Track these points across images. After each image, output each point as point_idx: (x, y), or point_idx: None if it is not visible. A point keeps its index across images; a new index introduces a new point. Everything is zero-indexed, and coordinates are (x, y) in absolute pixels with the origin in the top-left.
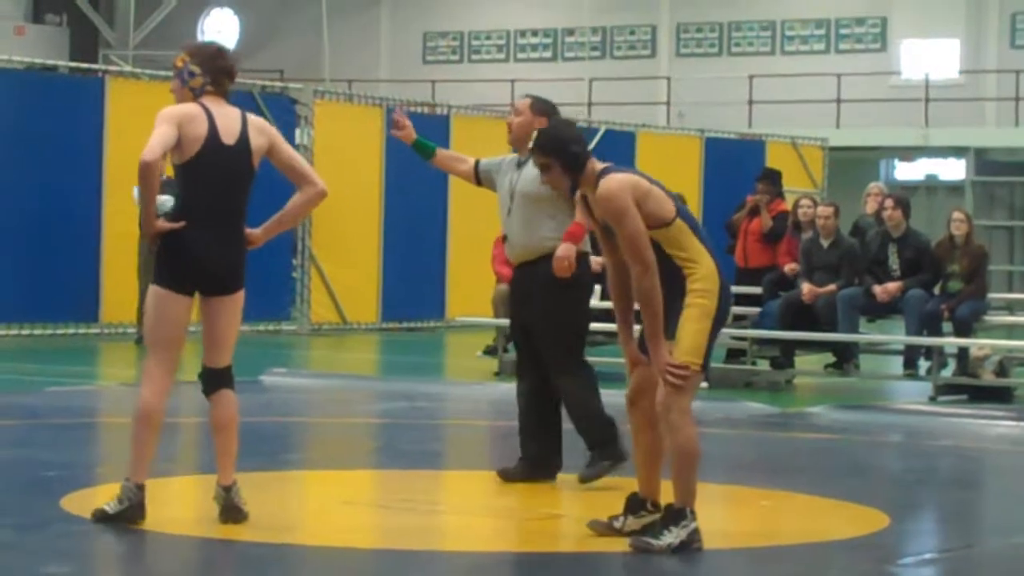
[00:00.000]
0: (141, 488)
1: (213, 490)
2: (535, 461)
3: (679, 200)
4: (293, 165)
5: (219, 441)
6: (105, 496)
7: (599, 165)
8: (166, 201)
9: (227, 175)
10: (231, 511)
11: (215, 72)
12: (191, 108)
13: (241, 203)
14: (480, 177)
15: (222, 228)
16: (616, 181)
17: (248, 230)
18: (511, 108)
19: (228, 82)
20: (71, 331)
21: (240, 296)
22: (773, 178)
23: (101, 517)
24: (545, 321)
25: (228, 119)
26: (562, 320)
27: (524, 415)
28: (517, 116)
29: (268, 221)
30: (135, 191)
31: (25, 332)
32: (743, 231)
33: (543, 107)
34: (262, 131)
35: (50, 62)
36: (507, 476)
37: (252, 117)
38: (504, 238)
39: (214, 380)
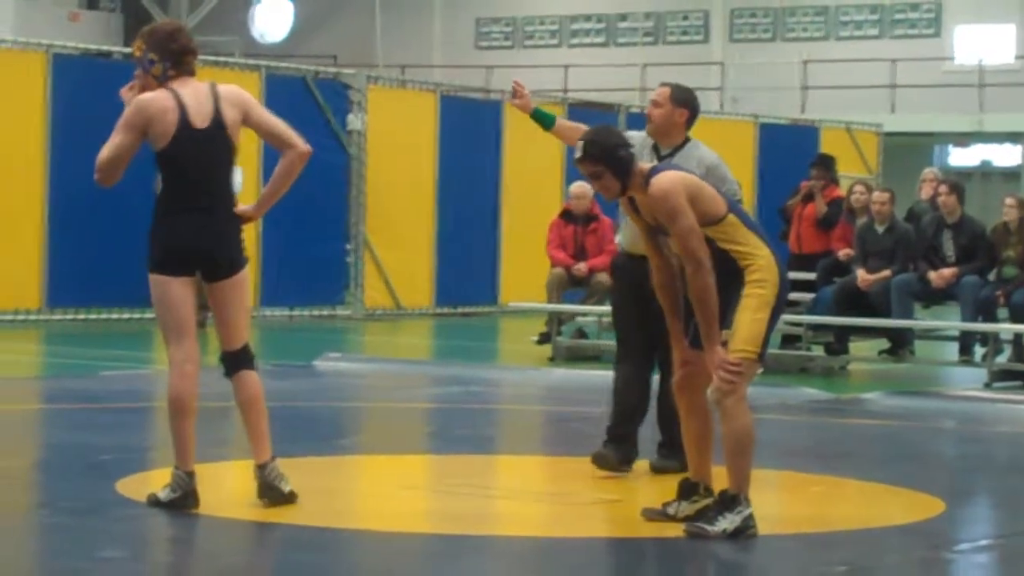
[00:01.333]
0: (191, 475)
1: (253, 472)
2: (628, 445)
3: (735, 187)
4: (271, 130)
5: (247, 421)
6: (160, 480)
7: (646, 165)
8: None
9: (205, 159)
10: (268, 490)
11: (173, 55)
12: (160, 100)
13: (226, 183)
14: None
15: (209, 212)
16: (668, 179)
17: (241, 207)
18: (651, 101)
19: (191, 60)
20: (126, 316)
21: (243, 277)
22: (827, 164)
23: (155, 503)
24: None
25: (198, 102)
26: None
27: (629, 402)
28: (656, 108)
29: (260, 195)
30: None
31: (80, 317)
32: (797, 217)
33: (683, 96)
34: (235, 103)
35: (104, 48)
36: (604, 463)
37: (224, 89)
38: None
39: (232, 362)
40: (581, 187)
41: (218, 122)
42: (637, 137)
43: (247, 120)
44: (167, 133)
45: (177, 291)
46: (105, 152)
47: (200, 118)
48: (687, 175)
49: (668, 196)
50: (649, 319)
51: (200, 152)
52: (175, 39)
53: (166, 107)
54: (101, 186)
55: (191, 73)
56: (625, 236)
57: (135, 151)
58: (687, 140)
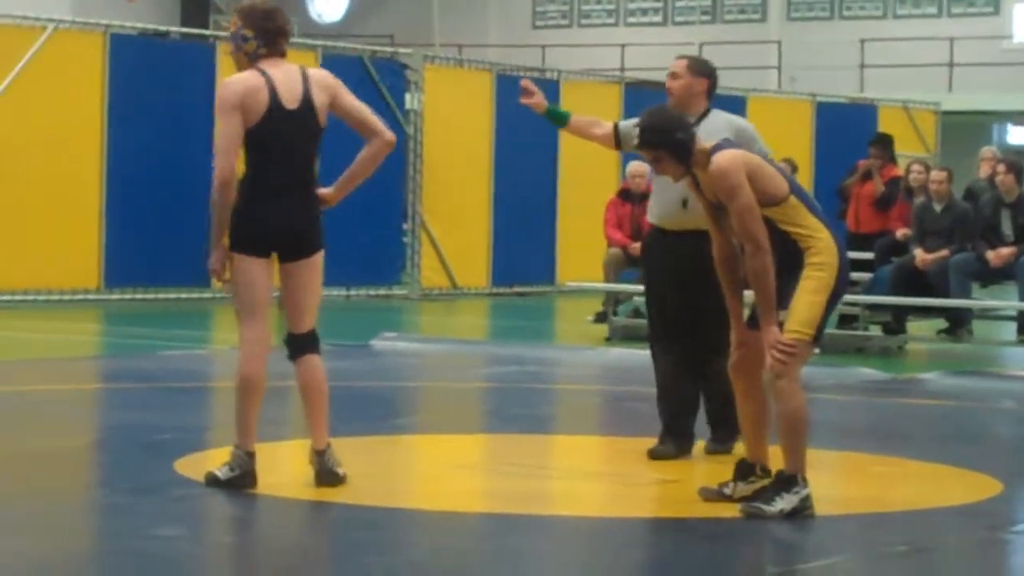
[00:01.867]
0: (251, 455)
1: (308, 455)
2: (686, 433)
3: (790, 166)
4: (358, 116)
5: (308, 406)
6: (218, 459)
7: (707, 144)
8: None
9: (293, 139)
10: (327, 475)
11: (267, 34)
12: (250, 80)
13: (310, 165)
14: (621, 140)
15: (293, 192)
16: (728, 157)
17: (321, 190)
18: (669, 74)
19: (283, 42)
20: (183, 295)
21: (318, 259)
22: (885, 143)
23: (213, 482)
24: (716, 300)
25: (289, 82)
26: None
27: (677, 395)
28: (675, 80)
29: (340, 179)
30: None
31: (138, 296)
32: (855, 196)
33: (701, 67)
34: (324, 87)
35: (163, 28)
36: (660, 456)
37: (313, 73)
38: (645, 204)
39: (298, 345)
40: (638, 166)
41: (308, 104)
42: None
43: (334, 105)
44: (258, 113)
45: (258, 271)
46: (223, 149)
47: (290, 99)
48: (749, 154)
49: (727, 174)
50: (684, 299)
51: (290, 133)
52: (272, 18)
53: (256, 86)
54: (225, 181)
55: (282, 54)
56: (655, 210)
57: (242, 133)
58: (709, 109)
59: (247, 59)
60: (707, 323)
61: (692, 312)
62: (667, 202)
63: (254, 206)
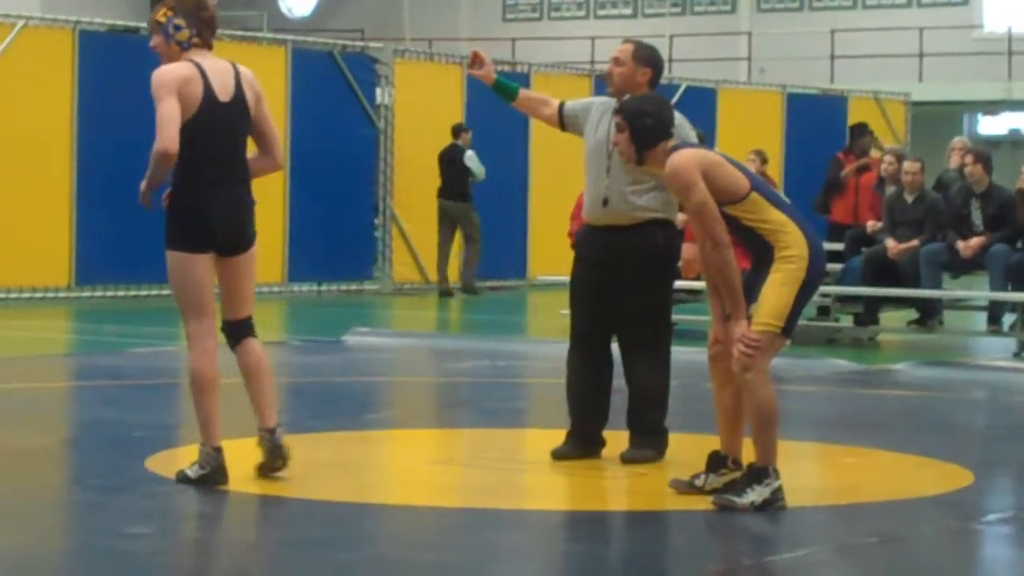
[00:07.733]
0: (219, 451)
1: (258, 436)
2: (592, 438)
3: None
4: (266, 129)
5: (253, 387)
6: (189, 456)
7: (671, 143)
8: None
9: (226, 132)
10: (276, 452)
11: (200, 24)
12: (185, 69)
13: (242, 159)
14: (565, 122)
15: (228, 187)
16: (681, 156)
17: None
18: (612, 59)
19: (211, 34)
20: (154, 292)
21: (255, 251)
22: (868, 130)
23: (184, 481)
24: (637, 300)
25: (221, 74)
26: (655, 300)
27: (585, 399)
28: (618, 67)
29: None
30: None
31: (109, 294)
32: (852, 187)
33: (647, 55)
34: (252, 86)
35: (131, 24)
36: (561, 456)
37: (243, 70)
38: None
39: (236, 331)
40: None
41: (240, 98)
42: (598, 101)
43: (254, 108)
44: (192, 104)
45: (202, 268)
46: (169, 126)
47: (223, 91)
48: (706, 153)
49: (679, 173)
50: (607, 299)
51: (223, 126)
52: (205, 7)
53: (189, 76)
54: (168, 161)
55: (210, 47)
56: (587, 206)
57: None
58: None
59: (177, 49)
60: (626, 322)
61: (613, 312)
62: (592, 199)
63: (200, 202)
